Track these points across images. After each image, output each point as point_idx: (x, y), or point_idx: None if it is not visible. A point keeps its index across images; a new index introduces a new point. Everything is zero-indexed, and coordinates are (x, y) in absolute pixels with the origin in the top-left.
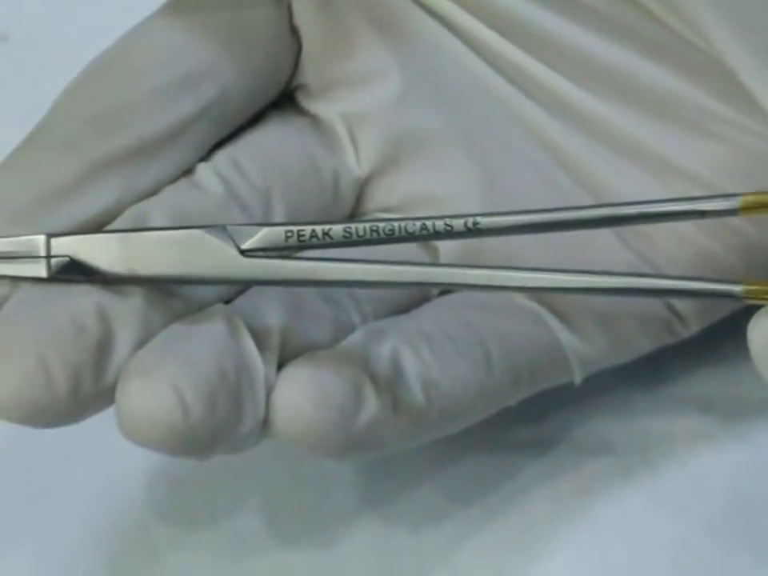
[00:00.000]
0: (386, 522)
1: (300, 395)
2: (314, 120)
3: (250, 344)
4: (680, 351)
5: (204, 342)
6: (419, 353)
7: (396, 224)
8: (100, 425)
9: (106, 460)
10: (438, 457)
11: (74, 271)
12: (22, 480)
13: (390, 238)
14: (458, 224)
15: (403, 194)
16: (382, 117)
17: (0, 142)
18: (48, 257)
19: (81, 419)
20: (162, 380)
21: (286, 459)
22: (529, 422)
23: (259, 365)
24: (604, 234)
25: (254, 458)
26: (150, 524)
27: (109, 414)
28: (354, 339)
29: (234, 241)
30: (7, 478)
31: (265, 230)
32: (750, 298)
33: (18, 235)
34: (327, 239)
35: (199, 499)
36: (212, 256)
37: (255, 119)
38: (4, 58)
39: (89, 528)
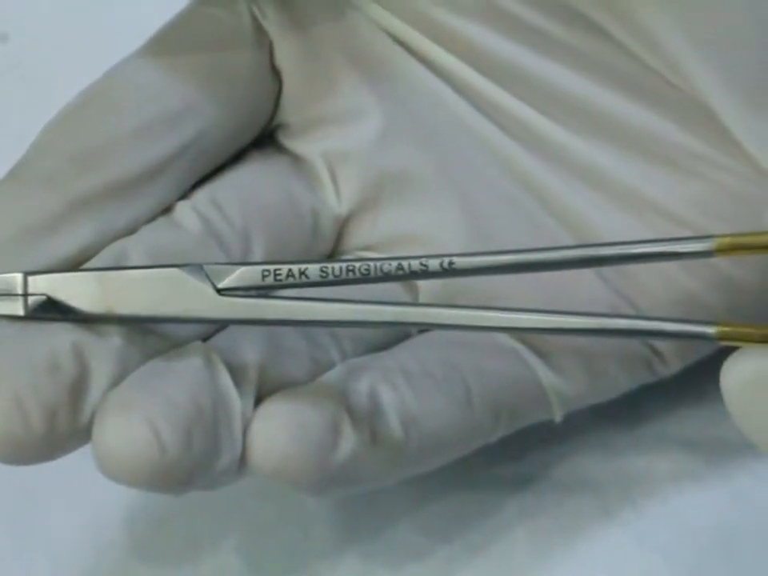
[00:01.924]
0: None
1: (277, 430)
2: (295, 159)
3: (226, 380)
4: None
5: (180, 378)
6: (398, 389)
7: (372, 264)
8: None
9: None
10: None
11: (51, 310)
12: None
13: (366, 278)
14: (434, 264)
15: (384, 233)
16: (363, 156)
17: (0, 142)
18: (25, 295)
19: (56, 457)
20: (138, 416)
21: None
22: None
23: (236, 400)
24: (585, 274)
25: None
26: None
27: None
28: (332, 375)
29: (210, 280)
30: None
31: (241, 269)
32: (724, 340)
33: None
34: (304, 278)
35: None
36: (189, 295)
37: (236, 158)
38: (4, 58)
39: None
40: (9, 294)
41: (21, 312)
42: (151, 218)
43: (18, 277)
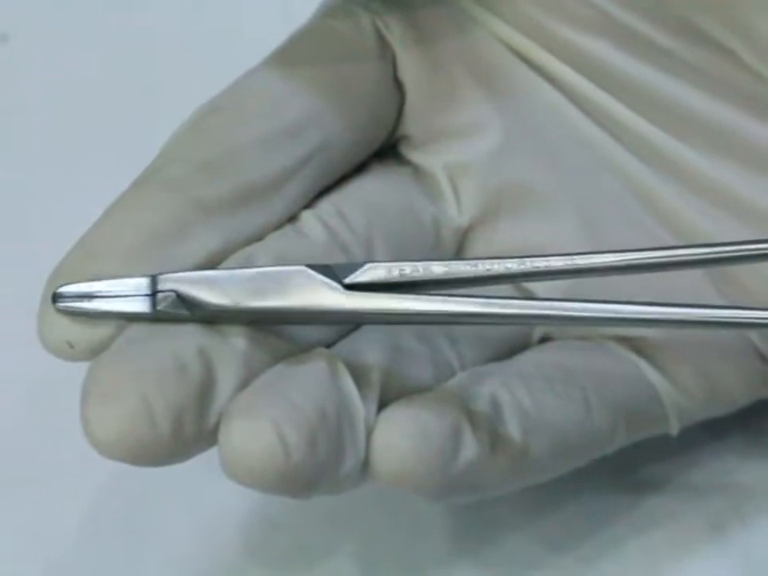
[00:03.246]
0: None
1: (400, 436)
2: (416, 170)
3: (350, 385)
4: None
5: (305, 383)
6: (519, 397)
7: (496, 262)
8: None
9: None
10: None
11: (178, 306)
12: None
13: (490, 276)
14: (557, 263)
15: (503, 244)
16: (484, 168)
17: (0, 142)
18: (153, 294)
19: (183, 459)
20: (264, 420)
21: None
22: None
23: (359, 406)
24: (691, 273)
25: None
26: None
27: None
28: (453, 382)
29: (338, 276)
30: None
31: (368, 266)
32: None
33: (123, 278)
34: (429, 274)
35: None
36: (317, 290)
37: (358, 169)
38: (4, 58)
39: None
40: (137, 294)
41: (148, 309)
42: (277, 227)
43: (146, 280)
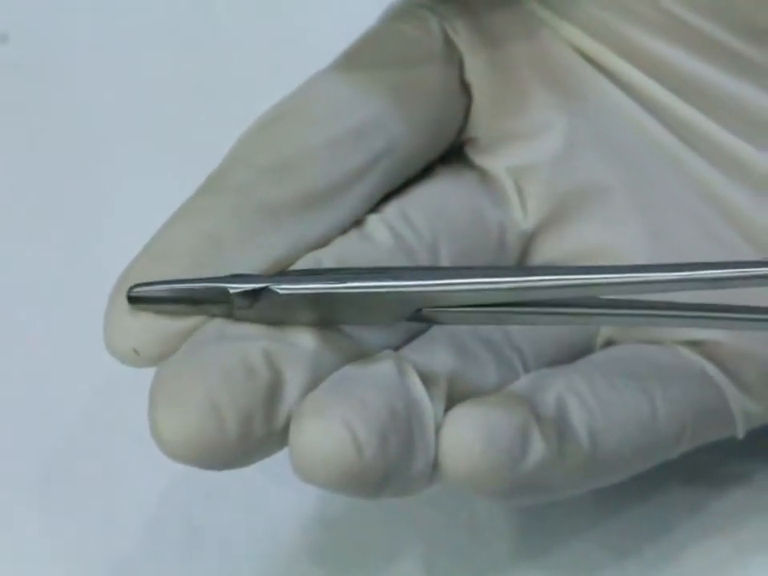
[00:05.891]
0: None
1: (468, 436)
2: (482, 174)
3: (418, 386)
4: None
5: (374, 383)
6: (585, 400)
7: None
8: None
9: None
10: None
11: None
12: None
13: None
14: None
15: (569, 248)
16: (549, 171)
17: (0, 142)
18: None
19: (250, 462)
20: (335, 419)
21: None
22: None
23: (428, 406)
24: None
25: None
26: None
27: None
28: (519, 385)
29: None
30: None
31: None
32: None
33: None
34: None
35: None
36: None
37: (423, 172)
38: (4, 58)
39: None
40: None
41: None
42: (343, 231)
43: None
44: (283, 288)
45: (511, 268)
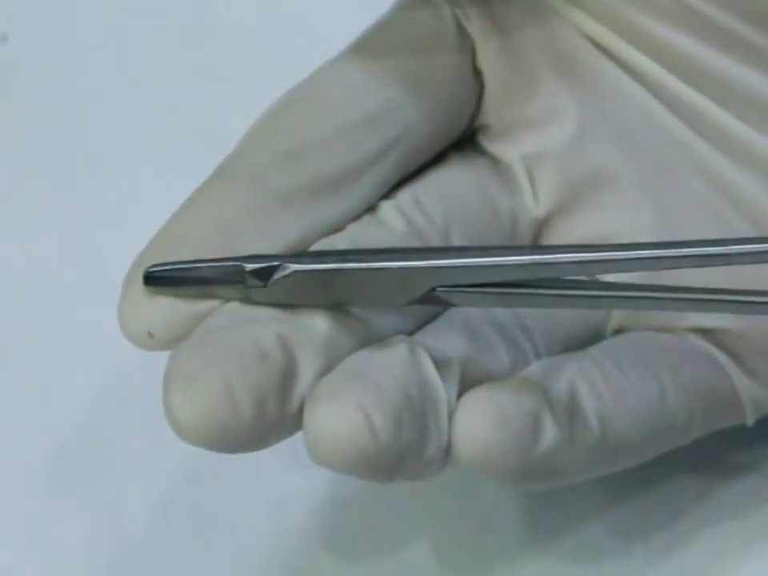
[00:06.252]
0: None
1: (480, 420)
2: (494, 161)
3: (431, 370)
4: None
5: (388, 367)
6: (595, 386)
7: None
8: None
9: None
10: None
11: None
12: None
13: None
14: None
15: (580, 236)
16: (560, 158)
17: (0, 143)
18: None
19: (263, 446)
20: (350, 402)
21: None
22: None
23: (442, 390)
24: None
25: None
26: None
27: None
28: (531, 371)
29: None
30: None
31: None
32: None
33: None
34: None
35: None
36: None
37: (436, 159)
38: (4, 58)
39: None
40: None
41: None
42: (356, 217)
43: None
44: (296, 265)
45: (523, 246)
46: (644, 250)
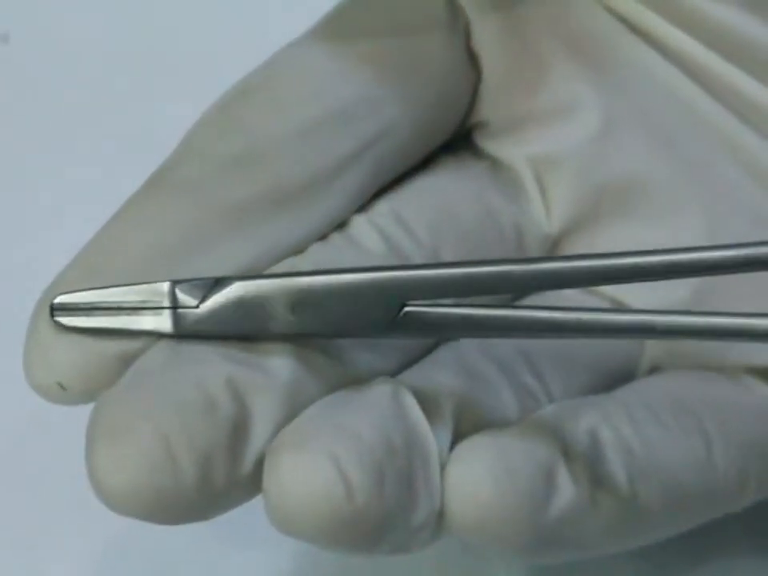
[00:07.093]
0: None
1: (480, 474)
2: (495, 164)
3: (419, 415)
4: None
5: (367, 411)
6: (623, 434)
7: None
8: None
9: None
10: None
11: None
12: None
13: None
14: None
15: None
16: (579, 161)
17: (0, 143)
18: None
19: (211, 516)
20: (320, 453)
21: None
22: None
23: (431, 439)
24: None
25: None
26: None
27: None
28: (543, 414)
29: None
30: None
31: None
32: None
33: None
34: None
35: None
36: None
37: (423, 163)
38: (4, 58)
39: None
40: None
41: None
42: (322, 235)
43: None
44: (239, 281)
45: (516, 259)
46: (686, 254)
